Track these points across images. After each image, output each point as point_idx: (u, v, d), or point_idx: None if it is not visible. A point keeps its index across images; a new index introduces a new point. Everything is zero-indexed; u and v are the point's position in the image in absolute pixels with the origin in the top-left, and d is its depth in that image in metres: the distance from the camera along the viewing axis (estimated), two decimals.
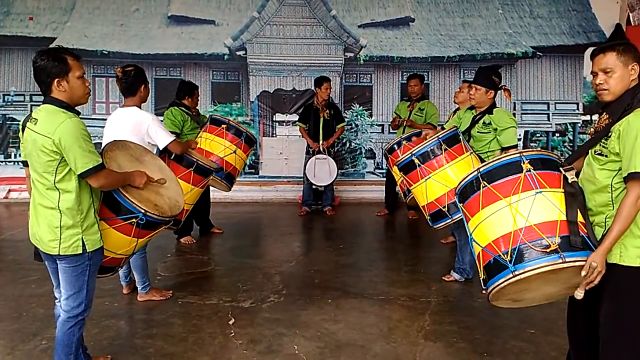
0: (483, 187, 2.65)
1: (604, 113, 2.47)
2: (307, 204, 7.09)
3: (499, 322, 3.72)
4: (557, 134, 7.93)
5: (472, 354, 3.30)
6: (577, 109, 7.90)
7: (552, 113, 7.92)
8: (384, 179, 7.34)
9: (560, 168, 2.57)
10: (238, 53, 7.82)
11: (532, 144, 7.89)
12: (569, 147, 7.87)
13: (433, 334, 3.55)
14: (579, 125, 7.90)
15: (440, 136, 3.74)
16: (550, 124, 7.92)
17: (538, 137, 7.94)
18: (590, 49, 7.33)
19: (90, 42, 7.71)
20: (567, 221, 2.41)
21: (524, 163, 2.59)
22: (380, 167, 7.96)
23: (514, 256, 2.42)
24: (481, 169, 2.70)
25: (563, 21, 7.84)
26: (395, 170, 5.07)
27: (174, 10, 7.79)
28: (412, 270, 4.87)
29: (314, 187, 6.86)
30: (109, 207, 2.82)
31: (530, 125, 7.95)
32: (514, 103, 7.90)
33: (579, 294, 2.36)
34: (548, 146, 7.85)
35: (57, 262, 2.68)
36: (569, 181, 2.51)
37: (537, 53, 7.81)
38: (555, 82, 7.89)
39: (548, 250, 2.36)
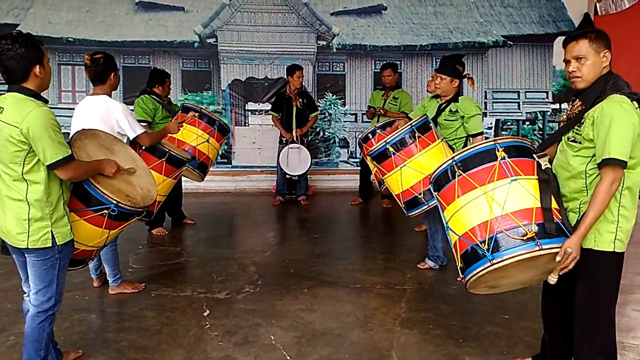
0: (458, 176, 2.66)
1: (577, 100, 2.50)
2: (281, 193, 7.04)
3: (473, 308, 3.76)
4: (527, 122, 8.04)
5: (448, 340, 3.32)
6: (547, 97, 8.02)
7: (523, 102, 8.02)
8: (358, 167, 7.35)
9: (534, 155, 2.60)
10: (208, 40, 7.68)
11: (503, 132, 7.98)
12: (539, 135, 7.99)
13: (409, 322, 3.57)
14: (549, 113, 8.02)
15: (413, 124, 3.75)
16: (521, 112, 8.02)
17: (509, 125, 8.04)
18: (560, 38, 7.55)
19: (54, 29, 7.46)
20: (541, 208, 2.44)
21: (498, 151, 2.60)
22: (354, 156, 7.95)
23: (491, 245, 2.44)
24: (456, 158, 2.70)
25: (533, 10, 7.93)
26: (369, 160, 5.07)
27: None
28: (387, 258, 4.88)
29: (287, 176, 6.81)
30: (79, 198, 2.74)
31: (501, 114, 8.04)
32: (485, 92, 7.97)
33: (553, 279, 2.40)
34: (519, 134, 7.94)
35: (26, 255, 2.59)
36: (542, 168, 2.53)
37: (508, 42, 7.88)
38: (526, 71, 7.98)
39: (525, 238, 2.37)
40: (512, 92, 8.01)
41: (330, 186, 7.84)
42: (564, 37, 2.57)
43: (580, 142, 2.40)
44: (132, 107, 5.21)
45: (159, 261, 4.79)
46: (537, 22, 7.92)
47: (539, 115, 8.04)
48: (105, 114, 3.69)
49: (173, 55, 7.73)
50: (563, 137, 2.53)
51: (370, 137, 4.87)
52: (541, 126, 8.04)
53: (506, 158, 2.56)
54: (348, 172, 7.87)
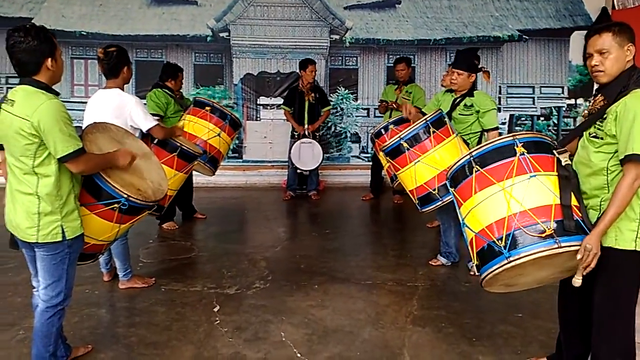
0: (476, 172, 2.60)
1: (599, 95, 2.42)
2: (291, 188, 7.00)
3: (486, 306, 3.69)
4: (542, 118, 7.92)
5: (461, 338, 3.26)
6: (562, 92, 7.89)
7: (537, 97, 7.90)
8: (369, 163, 7.29)
9: (554, 151, 2.54)
10: (221, 34, 7.65)
11: (517, 128, 7.87)
12: (553, 131, 7.88)
13: (421, 319, 3.51)
14: (564, 109, 7.90)
15: (428, 119, 3.69)
16: (536, 107, 7.90)
17: (523, 120, 7.92)
18: (577, 33, 7.42)
19: (68, 23, 7.47)
20: (561, 205, 2.38)
21: (517, 146, 2.54)
22: (366, 151, 7.89)
23: (509, 242, 2.38)
24: (473, 153, 2.65)
25: (549, 4, 7.78)
26: (382, 155, 5.01)
27: None
28: (399, 254, 4.82)
29: (299, 171, 6.77)
30: (90, 192, 2.71)
31: (516, 109, 7.93)
32: (500, 86, 7.86)
33: (577, 281, 2.32)
34: (533, 130, 7.84)
35: (35, 249, 2.57)
36: (563, 164, 2.47)
37: (523, 36, 7.76)
38: (541, 66, 7.85)
39: (543, 235, 2.32)
40: (527, 87, 7.89)
41: (341, 181, 7.79)
42: (580, 32, 2.50)
43: (602, 138, 2.33)
44: (144, 101, 5.20)
45: (170, 256, 4.77)
46: (554, 16, 7.77)
47: (553, 110, 7.91)
48: (118, 107, 3.68)
49: (185, 49, 7.70)
50: (584, 133, 2.46)
51: (383, 132, 4.84)
52: (556, 122, 7.91)
53: (525, 154, 2.51)
54: (359, 167, 7.81)
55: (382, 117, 6.71)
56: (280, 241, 5.29)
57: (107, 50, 3.72)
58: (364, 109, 7.89)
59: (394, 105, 6.31)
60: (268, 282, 4.13)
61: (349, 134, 7.90)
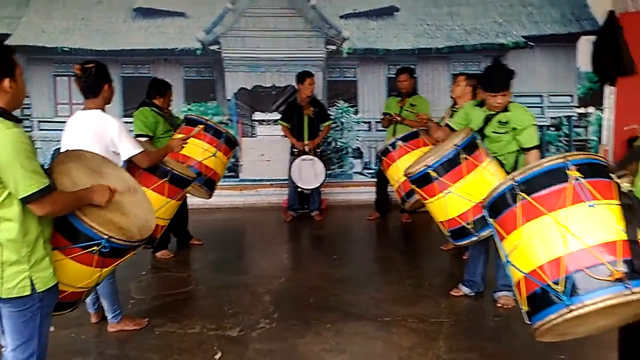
0: (521, 200, 2.21)
1: None
2: (292, 208, 6.58)
3: (522, 346, 3.26)
4: (552, 128, 7.55)
5: None
6: (572, 101, 7.53)
7: (546, 106, 7.53)
8: (373, 179, 6.88)
9: (611, 174, 2.16)
10: (211, 48, 7.24)
11: None
12: (564, 142, 7.51)
13: None
14: (574, 118, 7.53)
15: (457, 144, 3.27)
16: (545, 117, 7.52)
17: None
18: (583, 38, 7.07)
19: (49, 39, 7.03)
20: (627, 241, 1.99)
21: (569, 169, 2.16)
22: (369, 167, 7.47)
23: (569, 286, 1.99)
24: (517, 178, 2.26)
25: (554, 9, 7.42)
26: (390, 173, 4.63)
27: (140, 2, 7.12)
28: (416, 283, 4.39)
29: (299, 190, 6.36)
30: (64, 233, 2.29)
31: None
32: None
33: None
34: (543, 141, 7.47)
35: (0, 306, 2.14)
36: (624, 190, 2.09)
37: (529, 43, 7.40)
38: (548, 73, 7.48)
39: (611, 279, 1.93)
40: (535, 96, 7.49)
41: (345, 199, 7.36)
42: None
43: None
44: (131, 120, 4.80)
45: (164, 290, 4.32)
46: (559, 22, 7.42)
47: (564, 120, 7.54)
48: (98, 130, 3.25)
49: (174, 64, 7.28)
50: None
51: (391, 149, 4.54)
52: (567, 132, 7.54)
53: (580, 179, 2.12)
54: (363, 184, 7.37)
55: (385, 131, 6.33)
56: (285, 270, 4.86)
57: (85, 67, 3.29)
58: (365, 122, 7.48)
59: (398, 118, 5.94)
60: (274, 320, 3.70)
61: (350, 150, 7.48)
